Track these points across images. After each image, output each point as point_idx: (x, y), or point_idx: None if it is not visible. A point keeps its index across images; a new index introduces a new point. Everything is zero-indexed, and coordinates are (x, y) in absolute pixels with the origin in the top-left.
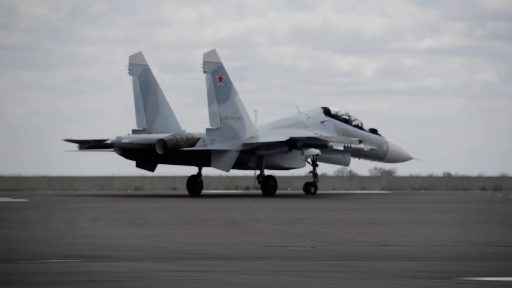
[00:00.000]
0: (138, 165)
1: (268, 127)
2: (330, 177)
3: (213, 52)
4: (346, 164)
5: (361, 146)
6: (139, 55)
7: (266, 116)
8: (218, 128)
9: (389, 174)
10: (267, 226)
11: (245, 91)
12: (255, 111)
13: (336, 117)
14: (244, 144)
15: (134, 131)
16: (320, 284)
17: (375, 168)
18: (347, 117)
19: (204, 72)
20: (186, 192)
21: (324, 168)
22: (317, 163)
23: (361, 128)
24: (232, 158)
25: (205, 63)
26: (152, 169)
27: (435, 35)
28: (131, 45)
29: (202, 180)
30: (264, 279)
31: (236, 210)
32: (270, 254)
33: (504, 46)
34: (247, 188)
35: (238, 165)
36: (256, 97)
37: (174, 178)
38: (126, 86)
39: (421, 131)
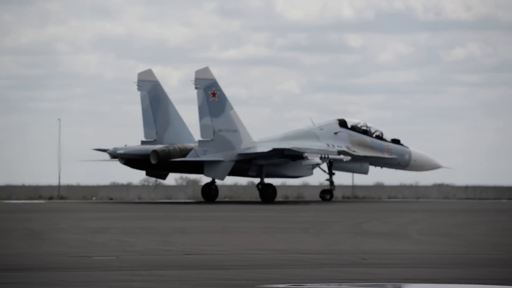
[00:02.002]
0: (148, 174)
1: (277, 138)
2: (136, 187)
3: (206, 69)
4: (365, 172)
5: (340, 157)
6: (149, 71)
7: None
8: (212, 140)
9: (195, 183)
10: (70, 236)
11: (47, 100)
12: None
13: (354, 128)
14: (239, 155)
15: (143, 142)
16: None
17: (181, 178)
18: (365, 128)
19: (196, 88)
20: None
21: (132, 178)
22: (334, 171)
23: (381, 138)
24: (226, 167)
25: (197, 80)
26: (163, 177)
27: (239, 46)
28: None
29: (216, 187)
30: None
31: (38, 220)
32: (74, 265)
33: (305, 57)
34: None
35: (238, 173)
36: (58, 106)
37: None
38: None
39: None
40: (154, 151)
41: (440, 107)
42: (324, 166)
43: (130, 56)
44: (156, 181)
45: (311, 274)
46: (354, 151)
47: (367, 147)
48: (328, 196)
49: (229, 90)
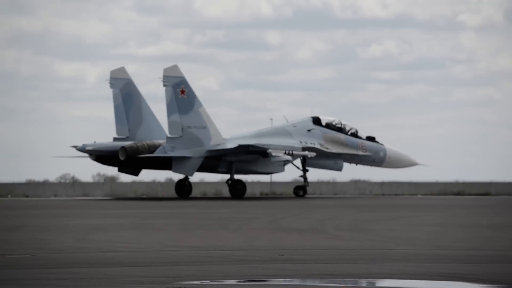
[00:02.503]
0: (120, 170)
1: (250, 135)
2: (52, 184)
3: (174, 67)
4: (339, 169)
5: (305, 153)
6: (121, 69)
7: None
8: (180, 136)
9: (112, 180)
10: None
11: None
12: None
13: (328, 126)
14: (208, 151)
15: (115, 139)
16: None
17: (98, 174)
18: (340, 126)
19: (165, 85)
20: None
21: (48, 175)
22: (307, 168)
23: (356, 135)
24: (195, 163)
25: (166, 77)
26: (136, 173)
27: (157, 42)
28: None
29: (190, 184)
30: None
31: None
32: None
33: (223, 54)
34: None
35: (207, 169)
36: None
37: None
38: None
39: None
40: (122, 148)
41: (358, 104)
42: (298, 162)
43: (46, 52)
44: (73, 177)
45: (229, 270)
46: (327, 148)
47: (340, 144)
48: (301, 192)
49: (147, 87)
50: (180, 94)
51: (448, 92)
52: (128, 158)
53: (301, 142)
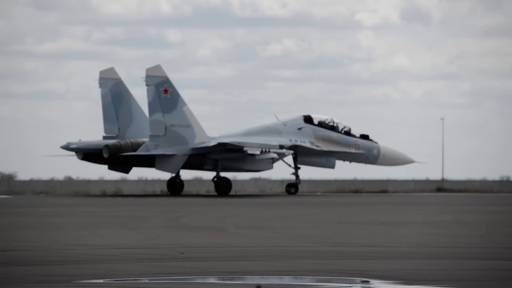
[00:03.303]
0: (110, 168)
1: (239, 134)
2: None
3: (157, 67)
4: (331, 167)
5: (282, 151)
6: (111, 69)
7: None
8: (164, 134)
9: (10, 178)
10: None
11: None
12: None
13: (320, 124)
14: (193, 149)
15: (104, 138)
16: None
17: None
18: (333, 124)
19: (147, 85)
20: None
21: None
22: (299, 166)
23: (349, 134)
24: (178, 161)
25: (148, 77)
26: (126, 171)
27: (55, 39)
28: None
29: (181, 181)
30: None
31: None
32: None
33: (123, 51)
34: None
35: (193, 167)
36: None
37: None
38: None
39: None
40: (106, 146)
41: (258, 102)
42: (290, 160)
43: None
44: None
45: (128, 268)
46: (318, 146)
47: (332, 142)
48: (293, 190)
49: (44, 85)
50: (163, 93)
51: (346, 90)
52: (111, 156)
53: (290, 140)
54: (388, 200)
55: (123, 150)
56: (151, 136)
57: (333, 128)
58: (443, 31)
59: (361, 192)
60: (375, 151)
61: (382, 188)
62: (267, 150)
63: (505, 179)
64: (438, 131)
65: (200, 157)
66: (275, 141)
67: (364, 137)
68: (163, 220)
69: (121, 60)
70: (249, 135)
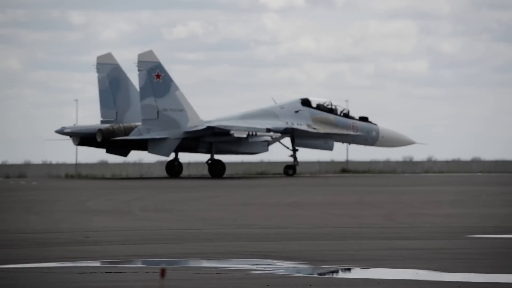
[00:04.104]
0: (108, 151)
1: (236, 117)
2: None
3: (150, 52)
4: (330, 149)
5: (270, 134)
6: (108, 55)
7: None
8: (156, 118)
9: None
10: None
11: None
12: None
13: (318, 107)
14: (186, 132)
15: (102, 122)
16: None
17: None
18: (331, 107)
19: (139, 70)
20: None
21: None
22: (297, 148)
23: (347, 116)
24: (171, 145)
25: (140, 62)
26: (125, 154)
27: None
28: None
29: (180, 163)
30: None
31: None
32: None
33: (25, 34)
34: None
35: (187, 150)
36: None
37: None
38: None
39: None
40: (99, 130)
41: None
42: (288, 142)
43: None
44: None
45: (32, 253)
46: (315, 129)
47: (329, 125)
48: (291, 172)
49: None
50: (156, 78)
51: (252, 72)
52: (104, 140)
53: (287, 123)
54: (294, 181)
55: (116, 134)
56: (144, 120)
57: (331, 110)
58: (347, 14)
59: (267, 174)
60: (373, 133)
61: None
62: (254, 133)
63: (408, 159)
64: None
65: (194, 140)
66: (271, 124)
67: (363, 119)
68: (68, 204)
69: (22, 43)
70: (245, 118)
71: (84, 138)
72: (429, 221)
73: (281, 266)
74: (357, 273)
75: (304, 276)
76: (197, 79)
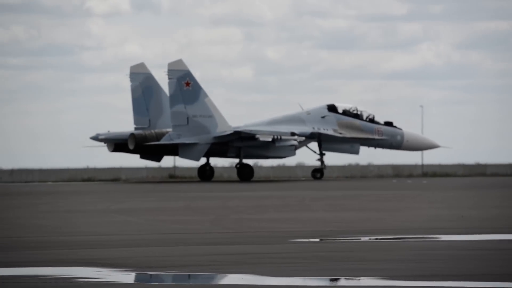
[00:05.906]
0: (142, 157)
1: (264, 122)
2: None
3: (179, 61)
4: (356, 153)
5: (294, 137)
6: (141, 65)
7: None
8: (186, 124)
9: None
10: None
11: None
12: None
13: (344, 113)
14: (214, 138)
15: (136, 128)
16: None
17: None
18: (357, 112)
19: (170, 78)
20: None
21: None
22: (324, 152)
23: (373, 121)
24: (201, 150)
25: (170, 71)
26: (158, 159)
27: None
28: None
29: (211, 168)
30: None
31: None
32: None
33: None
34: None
35: (217, 154)
36: None
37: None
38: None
39: None
40: (132, 135)
41: None
42: (315, 147)
43: None
44: None
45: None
46: (341, 133)
47: (355, 129)
48: (318, 175)
49: None
50: (185, 86)
51: (76, 78)
52: (137, 146)
53: (313, 128)
54: (121, 188)
55: (148, 140)
56: (174, 126)
57: (357, 116)
58: (172, 20)
59: (93, 181)
60: (398, 137)
61: (114, 176)
62: (279, 137)
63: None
64: None
65: (223, 145)
66: (297, 129)
67: (388, 124)
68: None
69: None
70: (273, 124)
71: (118, 144)
72: (255, 226)
73: (106, 274)
74: (183, 278)
75: (130, 284)
76: (18, 84)
